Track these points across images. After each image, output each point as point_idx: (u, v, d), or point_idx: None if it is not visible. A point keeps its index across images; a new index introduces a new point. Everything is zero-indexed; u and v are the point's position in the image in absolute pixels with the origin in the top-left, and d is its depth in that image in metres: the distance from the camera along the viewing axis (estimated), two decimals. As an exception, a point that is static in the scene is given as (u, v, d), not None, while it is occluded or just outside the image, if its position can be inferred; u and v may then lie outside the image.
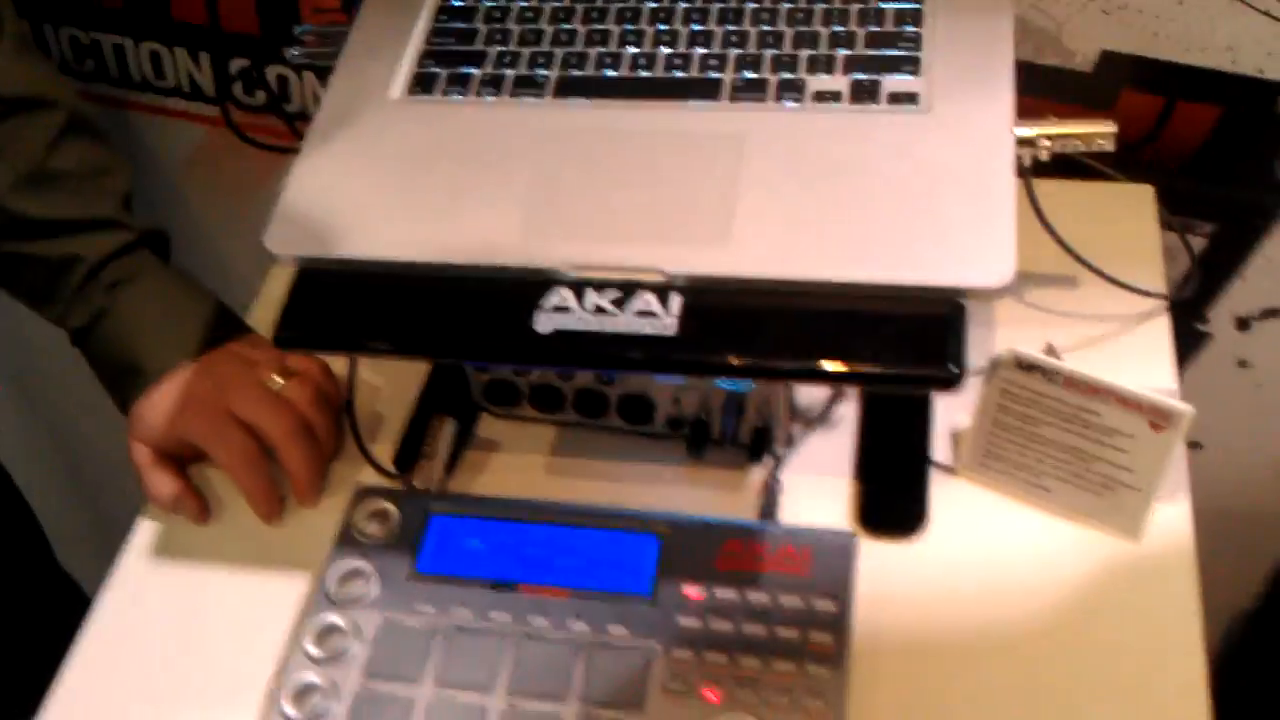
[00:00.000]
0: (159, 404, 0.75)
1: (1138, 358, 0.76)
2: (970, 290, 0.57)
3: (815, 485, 0.73)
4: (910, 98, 0.64)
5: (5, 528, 1.12)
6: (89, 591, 0.76)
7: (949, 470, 0.73)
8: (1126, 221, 0.83)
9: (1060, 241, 0.72)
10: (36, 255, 0.78)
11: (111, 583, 0.74)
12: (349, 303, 0.63)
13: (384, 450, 0.77)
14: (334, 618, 0.67)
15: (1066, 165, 0.75)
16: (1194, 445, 1.06)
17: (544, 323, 0.60)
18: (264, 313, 0.85)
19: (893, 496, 0.71)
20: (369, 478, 0.76)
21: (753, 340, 0.59)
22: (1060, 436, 0.68)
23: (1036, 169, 0.68)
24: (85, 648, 0.71)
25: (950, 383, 0.56)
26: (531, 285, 0.61)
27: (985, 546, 0.69)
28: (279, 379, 0.76)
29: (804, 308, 0.58)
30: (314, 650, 0.66)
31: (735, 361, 0.59)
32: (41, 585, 1.14)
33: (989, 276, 0.57)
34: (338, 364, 0.80)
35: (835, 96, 0.65)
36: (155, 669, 0.69)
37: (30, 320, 0.83)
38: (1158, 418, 0.65)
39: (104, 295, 0.77)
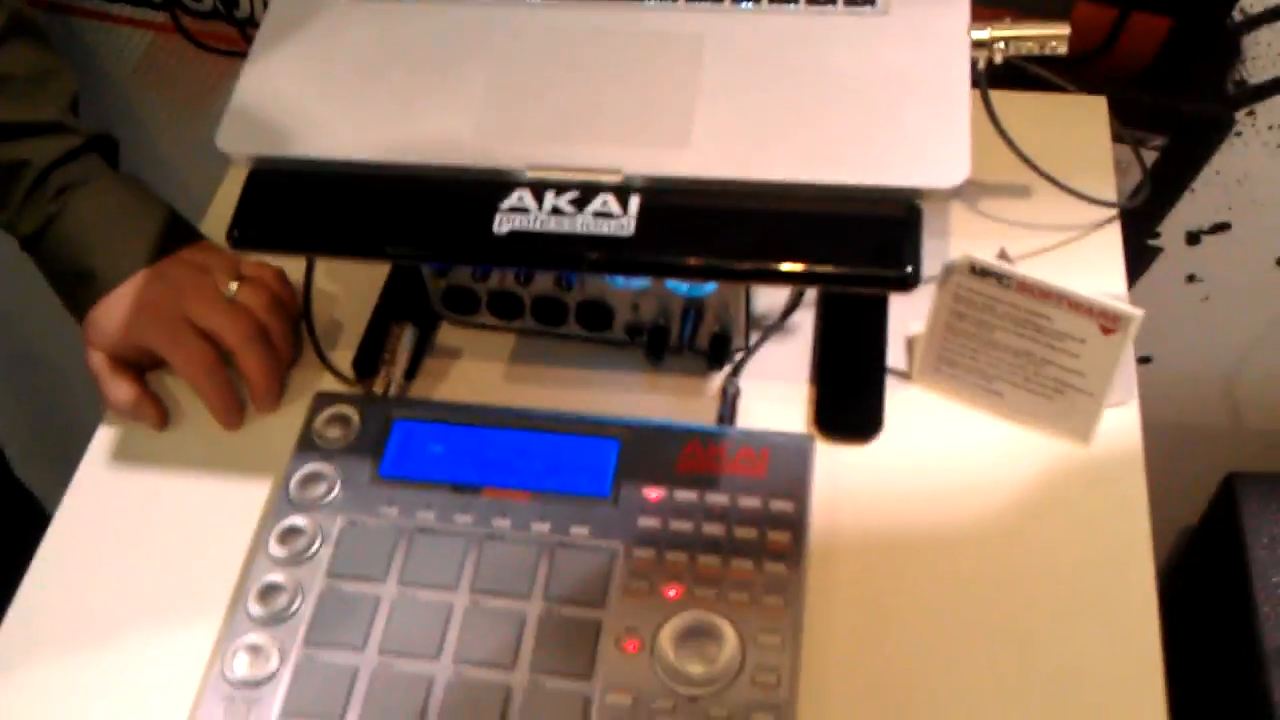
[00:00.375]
0: (114, 311, 0.74)
1: (1089, 266, 0.77)
2: (925, 191, 0.58)
3: (773, 390, 0.74)
4: None
5: None
6: (45, 503, 0.76)
7: (904, 376, 0.74)
8: (1079, 132, 0.84)
9: (1014, 148, 0.72)
10: None
11: (71, 490, 0.74)
12: (303, 203, 0.63)
13: (342, 357, 0.77)
14: (297, 519, 0.68)
15: (1021, 77, 0.76)
16: (1143, 360, 1.09)
17: (501, 223, 0.60)
18: (217, 222, 0.84)
19: (849, 401, 0.72)
20: (328, 385, 0.76)
21: (710, 241, 0.59)
22: (1012, 341, 0.69)
23: (992, 79, 0.68)
24: (46, 556, 0.71)
25: (905, 283, 0.57)
26: (489, 186, 0.61)
27: (938, 450, 0.71)
28: (234, 285, 0.75)
29: (761, 209, 0.59)
30: (278, 551, 0.67)
31: (692, 262, 0.59)
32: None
33: (943, 177, 0.58)
34: (294, 269, 0.80)
35: (794, -2, 0.65)
36: (118, 576, 0.70)
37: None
38: (1108, 321, 0.66)
39: (53, 201, 0.77)
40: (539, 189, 0.60)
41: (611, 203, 0.60)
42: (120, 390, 0.75)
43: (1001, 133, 0.71)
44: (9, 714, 0.65)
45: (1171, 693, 0.61)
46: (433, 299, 0.76)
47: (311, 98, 0.65)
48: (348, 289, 0.81)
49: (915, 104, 0.60)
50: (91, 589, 0.69)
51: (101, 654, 0.67)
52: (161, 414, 0.76)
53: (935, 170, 0.58)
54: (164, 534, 0.71)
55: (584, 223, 0.59)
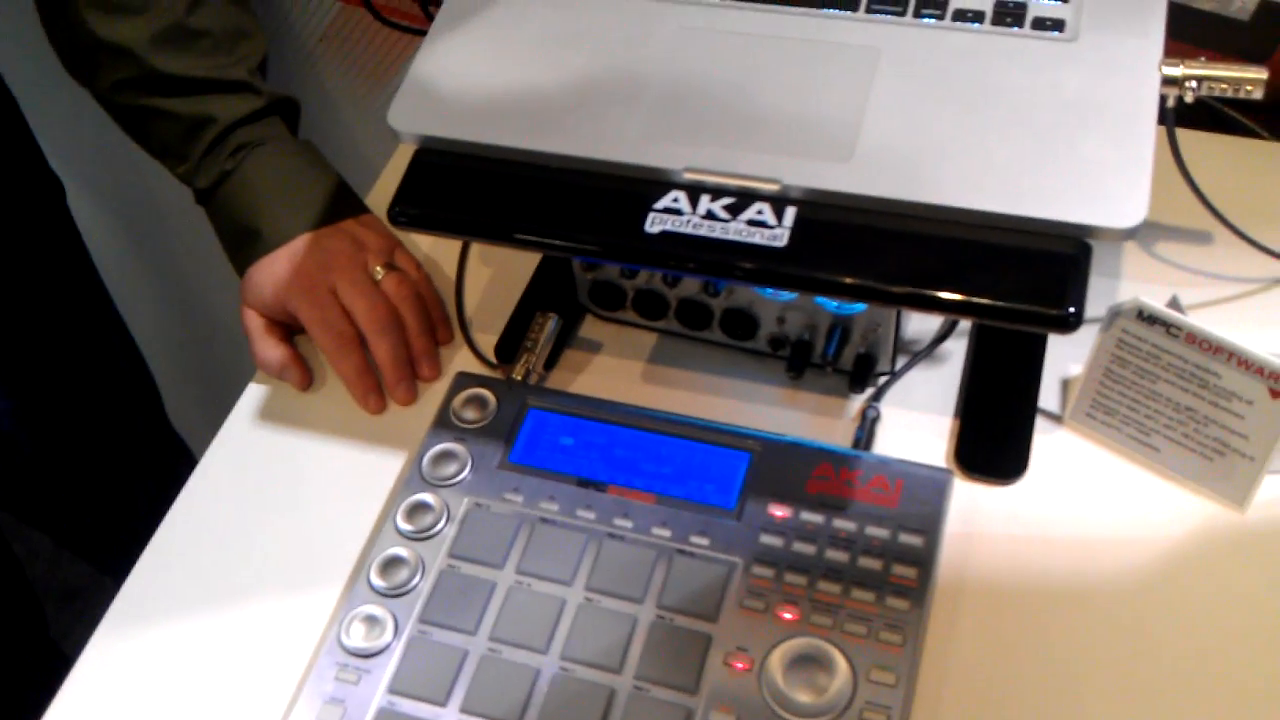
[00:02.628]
0: (270, 272, 0.77)
1: (1264, 322, 0.73)
2: (1098, 229, 0.55)
3: (915, 420, 0.72)
4: (1057, 24, 0.62)
5: (123, 383, 1.17)
6: (195, 452, 0.79)
7: (1055, 418, 0.71)
8: (1267, 181, 0.79)
9: (1197, 192, 0.68)
10: (171, 111, 0.80)
11: (215, 444, 0.76)
12: (464, 186, 0.64)
13: (487, 342, 0.78)
14: (426, 496, 0.69)
15: (1212, 119, 0.72)
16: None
17: (654, 223, 0.59)
18: (383, 196, 0.85)
19: (994, 439, 0.70)
20: (471, 366, 0.77)
21: (865, 260, 0.58)
22: (1175, 395, 0.66)
23: (1180, 116, 0.65)
24: (185, 505, 0.74)
25: (1066, 324, 0.55)
26: (646, 185, 0.60)
27: (1083, 500, 0.68)
28: (381, 269, 0.77)
29: (922, 232, 0.57)
30: (404, 526, 0.68)
31: (845, 281, 0.58)
32: (152, 441, 1.19)
33: (1120, 217, 0.55)
34: (450, 250, 0.81)
35: (978, 16, 0.63)
36: (250, 532, 0.72)
37: (159, 181, 0.85)
38: (1279, 384, 0.63)
39: (231, 158, 0.79)
40: (694, 192, 0.60)
41: (767, 212, 0.58)
42: (269, 350, 0.77)
43: (1185, 174, 0.67)
44: (132, 653, 0.67)
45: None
46: (580, 291, 0.76)
47: (483, 82, 0.65)
48: (500, 273, 0.82)
49: (1096, 137, 0.57)
50: (223, 542, 0.71)
51: (224, 607, 0.69)
52: (307, 376, 0.77)
53: (1111, 208, 0.55)
54: (298, 495, 0.73)
55: (737, 230, 0.58)
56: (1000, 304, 0.56)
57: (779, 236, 0.58)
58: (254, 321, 0.78)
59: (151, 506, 0.76)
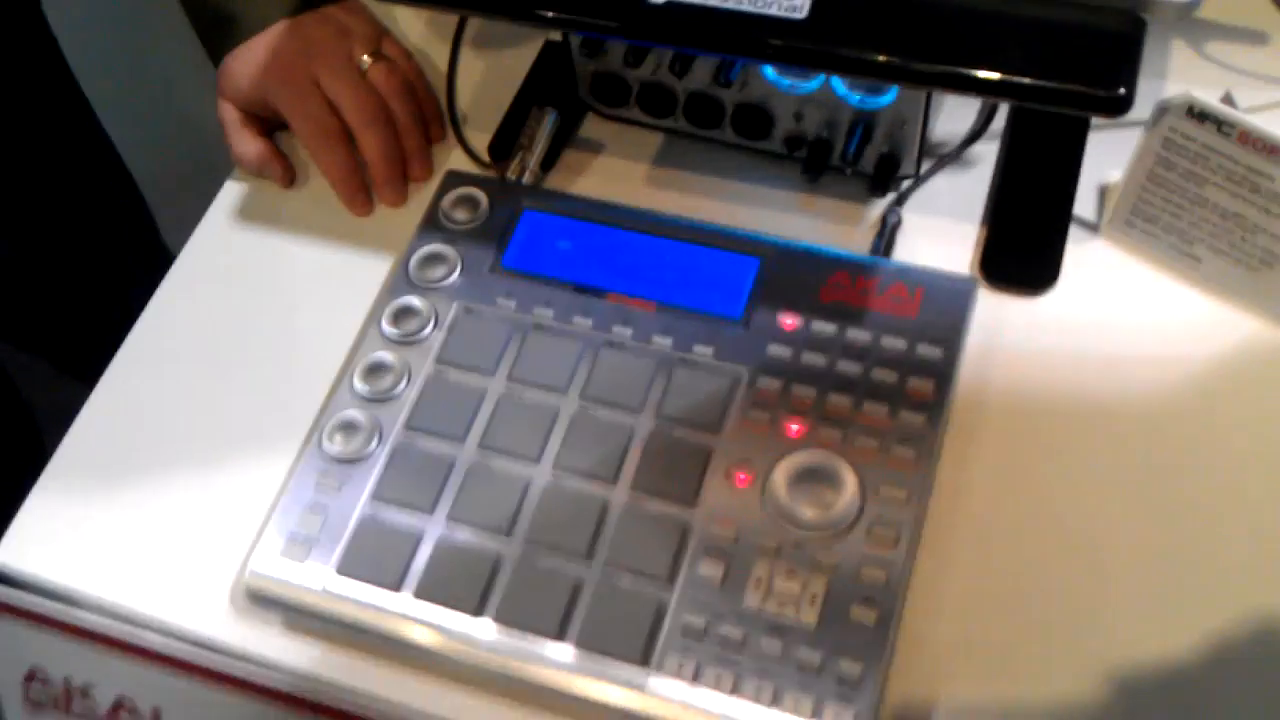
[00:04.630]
0: (249, 60, 0.71)
1: (1327, 128, 0.67)
2: (1154, 3, 0.49)
3: (939, 226, 0.67)
4: None
5: (107, 194, 1.12)
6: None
7: (1090, 227, 0.66)
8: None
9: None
10: None
11: (192, 242, 0.72)
12: (451, -50, 0.58)
13: (480, 140, 0.73)
14: (413, 300, 0.64)
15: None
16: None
17: (661, -8, 0.53)
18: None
19: (1024, 247, 0.65)
20: (462, 165, 0.71)
21: (896, 35, 0.52)
22: (1223, 200, 0.61)
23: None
24: (161, 303, 0.70)
25: (1117, 106, 0.49)
26: (652, -51, 0.54)
27: (1117, 312, 0.63)
28: (367, 59, 0.71)
29: (960, 4, 0.51)
30: (389, 330, 0.64)
31: (873, 57, 0.52)
32: (141, 254, 1.14)
33: (1179, -12, 0.49)
34: (441, 37, 0.74)
35: None
36: (229, 331, 0.68)
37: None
38: (1341, 190, 0.57)
39: None
40: (705, -43, 0.53)
41: (785, -20, 0.52)
42: (247, 143, 0.72)
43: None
44: (111, 457, 0.64)
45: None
46: (581, 85, 0.71)
47: None
48: (494, 65, 0.76)
49: (1160, -101, 0.51)
50: (199, 345, 0.68)
51: (201, 414, 0.65)
52: (289, 170, 0.72)
53: (1171, -21, 0.49)
54: (278, 298, 0.69)
55: (751, 0, 0.52)
56: (1045, 84, 0.50)
57: (799, 7, 0.52)
58: (230, 114, 0.73)
59: (133, 301, 0.72)
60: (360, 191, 0.71)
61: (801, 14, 0.52)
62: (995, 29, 0.50)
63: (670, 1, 0.53)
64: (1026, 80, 0.50)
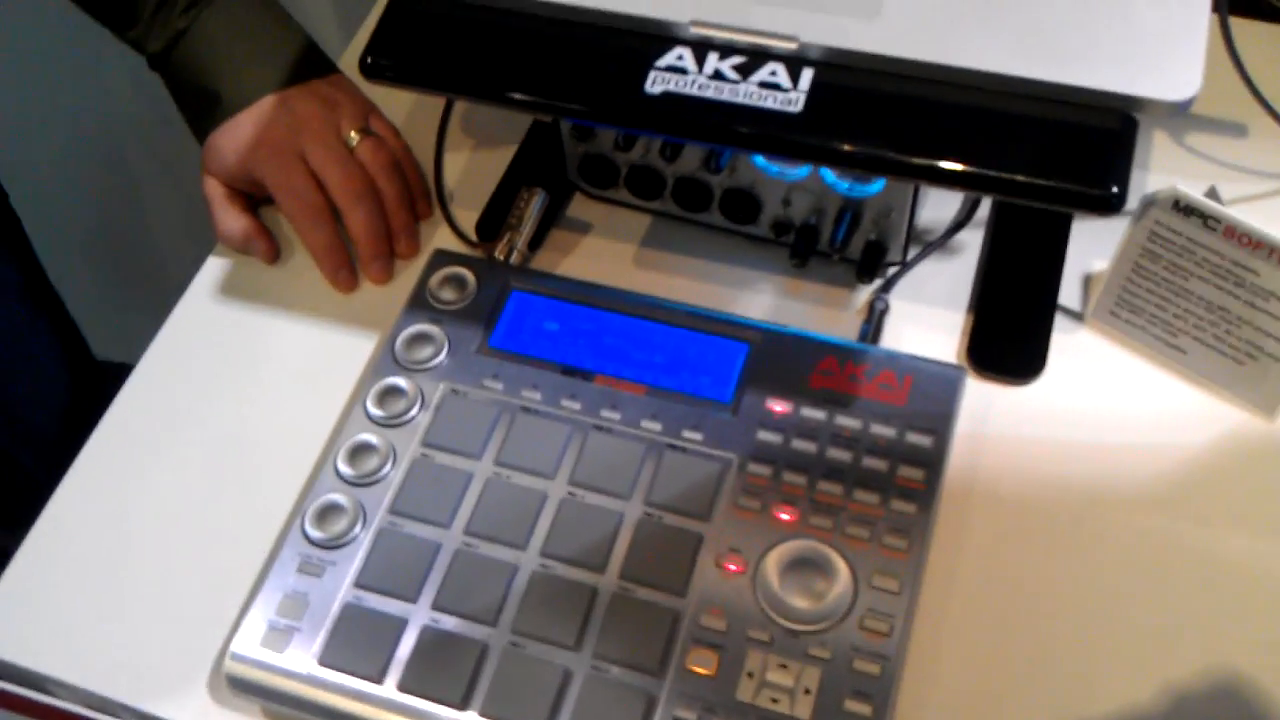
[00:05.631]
0: (233, 137, 0.71)
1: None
2: (1147, 102, 0.50)
3: (926, 314, 0.67)
4: (1110, -124, 0.56)
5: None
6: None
7: (1075, 316, 0.66)
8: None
9: (1245, 76, 0.63)
10: None
11: (173, 319, 0.71)
12: (445, 35, 0.58)
13: (468, 218, 0.73)
14: (399, 380, 0.64)
15: (1258, 8, 0.67)
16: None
17: (655, 82, 0.54)
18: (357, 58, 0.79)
19: (1010, 336, 0.65)
20: (450, 244, 0.71)
21: (890, 130, 0.52)
22: (1208, 293, 0.61)
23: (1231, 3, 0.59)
24: (140, 380, 0.69)
25: (1109, 205, 0.50)
26: (648, 39, 0.54)
27: (1103, 403, 0.63)
28: (355, 136, 0.71)
29: (953, 100, 0.52)
30: (375, 411, 0.63)
31: (867, 151, 0.52)
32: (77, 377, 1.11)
33: (1172, 89, 0.50)
34: (429, 114, 0.74)
35: None
36: (210, 412, 0.67)
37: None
38: (1324, 285, 0.58)
39: (184, 15, 0.72)
40: (701, 48, 0.54)
41: (781, 73, 0.53)
42: (232, 220, 0.71)
43: (1234, 57, 0.62)
44: (87, 534, 0.63)
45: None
46: (570, 166, 0.71)
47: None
48: (483, 143, 0.76)
49: (1148, 2, 0.52)
50: (180, 424, 0.67)
51: (181, 493, 0.64)
52: (273, 247, 0.72)
53: (1163, 80, 0.50)
54: (261, 377, 0.68)
55: (747, 93, 0.53)
56: (1037, 181, 0.50)
57: (794, 101, 0.52)
58: (215, 190, 0.72)
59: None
60: (345, 268, 0.70)
61: (797, 108, 0.52)
62: (989, 125, 0.51)
63: (666, 92, 0.53)
64: (1020, 177, 0.50)
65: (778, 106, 0.52)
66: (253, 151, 0.70)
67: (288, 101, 0.71)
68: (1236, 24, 0.62)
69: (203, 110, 0.72)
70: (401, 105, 0.78)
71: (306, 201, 0.70)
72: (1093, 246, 0.68)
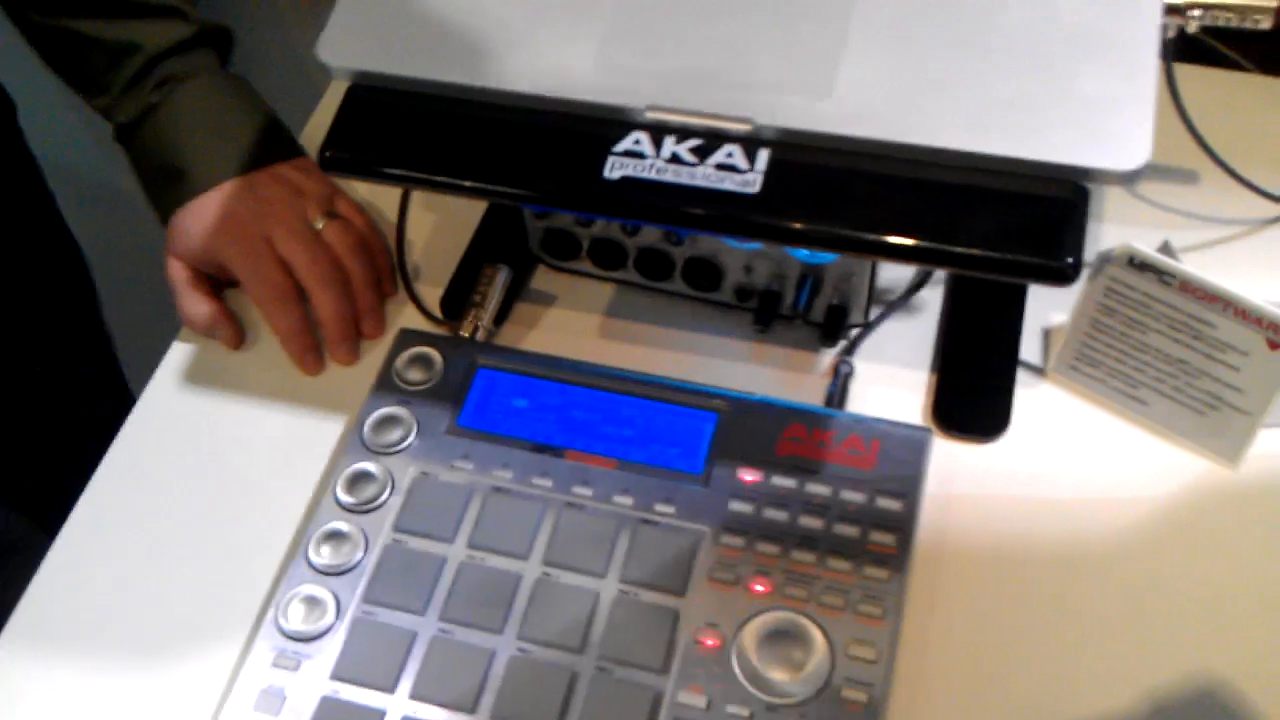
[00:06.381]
0: (200, 218, 0.70)
1: (1259, 267, 0.69)
2: (1097, 172, 0.51)
3: (890, 375, 0.67)
4: (1051, -52, 0.57)
5: (72, 324, 1.09)
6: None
7: (1037, 371, 0.67)
8: (1259, 118, 0.76)
9: (1193, 130, 0.64)
10: (91, 36, 0.73)
11: (140, 406, 0.71)
12: (404, 127, 0.58)
13: (432, 295, 0.73)
14: (368, 465, 0.63)
15: (1203, 53, 0.68)
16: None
17: (613, 168, 0.54)
18: (317, 136, 0.79)
19: (974, 394, 0.66)
20: (415, 323, 0.71)
21: (847, 208, 0.53)
22: (1166, 346, 0.62)
23: (1176, 50, 0.60)
24: (108, 470, 0.68)
25: (1065, 276, 0.51)
26: (604, 125, 0.55)
27: (1068, 457, 0.64)
28: (322, 220, 0.71)
29: (907, 176, 0.52)
30: (345, 497, 0.63)
31: (825, 231, 0.53)
32: (100, 391, 1.11)
33: (1121, 158, 0.51)
34: (389, 197, 0.75)
35: (966, -61, 0.58)
36: (176, 504, 0.66)
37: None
38: (1278, 334, 0.59)
39: (154, 91, 0.72)
40: (658, 132, 0.54)
41: (738, 155, 0.53)
42: (197, 304, 0.71)
43: (1181, 111, 0.63)
44: (59, 631, 0.62)
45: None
46: (531, 240, 0.71)
47: (423, 10, 0.59)
48: (444, 221, 0.76)
49: (1094, 70, 0.53)
50: (146, 517, 0.66)
51: (148, 587, 0.63)
52: (238, 332, 0.72)
53: (1112, 149, 0.51)
54: (228, 464, 0.68)
55: (705, 175, 0.53)
56: (994, 255, 0.51)
57: (751, 182, 0.53)
58: (180, 273, 0.72)
59: (97, 459, 0.70)
60: (312, 351, 0.70)
61: (754, 189, 0.53)
62: (942, 201, 0.52)
63: (625, 177, 0.54)
64: (976, 251, 0.51)
65: (735, 188, 0.53)
66: (218, 235, 0.70)
67: (254, 186, 0.71)
68: (1183, 70, 0.63)
69: (166, 187, 0.72)
70: (363, 184, 0.78)
71: (273, 285, 0.70)
72: (1051, 299, 0.68)
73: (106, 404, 1.11)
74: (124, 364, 1.17)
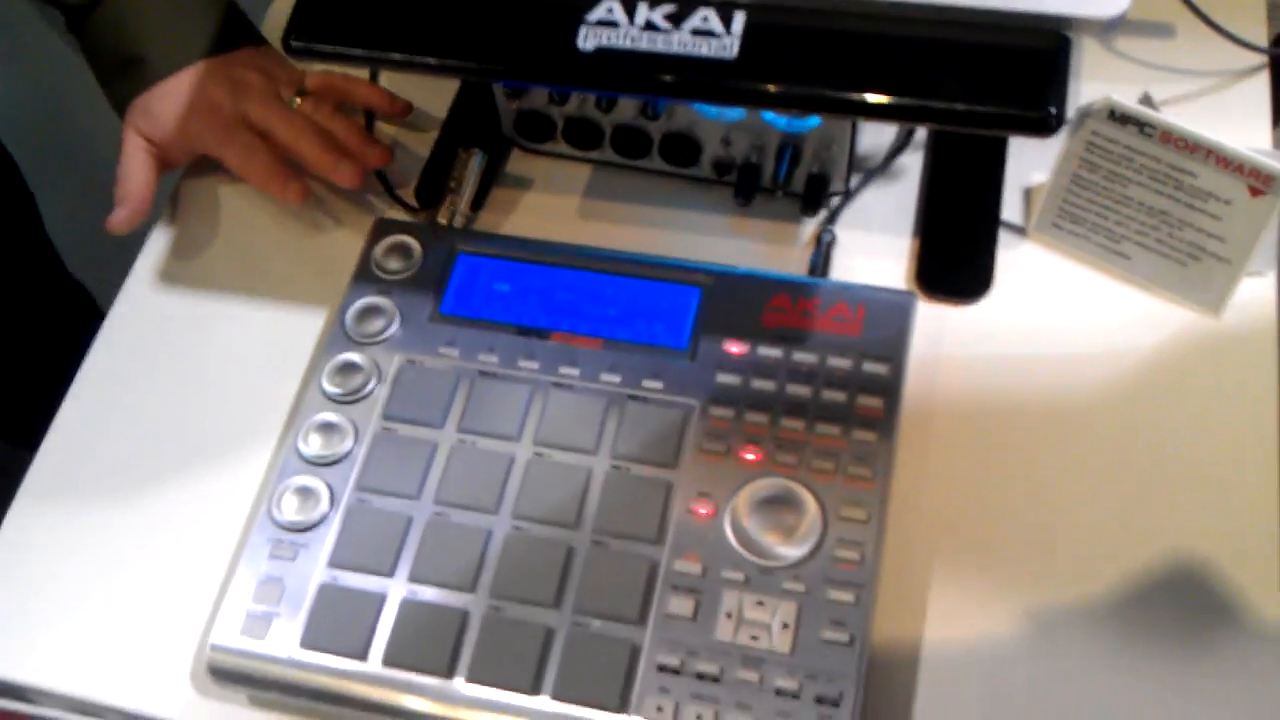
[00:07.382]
0: (168, 102, 0.69)
1: (1238, 116, 0.69)
2: (1078, 20, 0.50)
3: (872, 242, 0.67)
4: None
5: (12, 229, 1.07)
6: (101, 302, 0.72)
7: (1019, 231, 0.67)
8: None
9: (1170, -22, 0.63)
10: None
11: (118, 304, 0.70)
12: (368, 5, 0.56)
13: (406, 183, 0.72)
14: (353, 356, 0.63)
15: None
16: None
17: (587, 38, 0.53)
18: (277, 26, 0.77)
19: (956, 256, 0.66)
20: (391, 212, 0.70)
21: (825, 68, 0.52)
22: (1148, 198, 0.62)
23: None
24: (90, 371, 0.68)
25: (1047, 126, 0.50)
26: (576, -6, 0.53)
27: (1052, 314, 0.64)
28: (297, 99, 0.69)
29: (885, 33, 0.51)
30: (331, 388, 0.63)
31: (805, 92, 0.52)
32: (52, 294, 1.10)
33: (1103, 5, 0.50)
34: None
35: None
36: (162, 403, 0.66)
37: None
38: (1259, 181, 0.59)
39: None
40: (631, 0, 0.53)
41: (713, 19, 0.52)
42: (141, 172, 0.69)
43: (1157, -42, 0.62)
44: (49, 539, 0.62)
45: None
46: (504, 123, 0.70)
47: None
48: (415, 109, 0.75)
49: (1072, -85, 0.51)
50: (133, 416, 0.66)
51: (141, 487, 0.63)
52: (144, 210, 0.69)
53: (1092, -4, 0.50)
54: (211, 360, 0.67)
55: (681, 41, 0.52)
56: (975, 109, 0.51)
57: (728, 46, 0.52)
58: (138, 144, 0.70)
59: (58, 369, 0.70)
60: (295, 179, 0.69)
61: (731, 53, 0.52)
62: (922, 56, 0.51)
63: (600, 47, 0.52)
64: (958, 106, 0.50)
65: (712, 53, 0.52)
66: (191, 117, 0.68)
67: (227, 67, 0.69)
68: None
69: (123, 74, 0.70)
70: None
71: (250, 148, 0.68)
72: (1031, 159, 0.68)
73: (69, 318, 1.09)
74: (75, 275, 1.15)
